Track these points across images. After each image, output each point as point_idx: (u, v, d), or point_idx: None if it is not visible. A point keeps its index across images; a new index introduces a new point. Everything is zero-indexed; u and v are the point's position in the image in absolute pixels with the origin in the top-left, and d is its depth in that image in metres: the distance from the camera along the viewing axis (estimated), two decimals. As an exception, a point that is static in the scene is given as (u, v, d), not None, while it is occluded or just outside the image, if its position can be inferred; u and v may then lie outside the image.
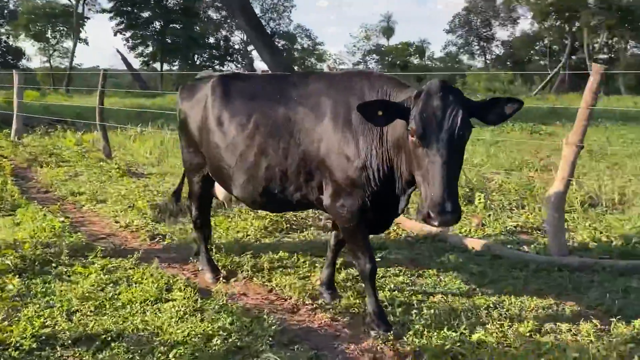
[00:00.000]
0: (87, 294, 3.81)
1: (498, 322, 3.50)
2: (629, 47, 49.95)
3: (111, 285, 4.04)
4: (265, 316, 3.48)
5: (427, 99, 2.75)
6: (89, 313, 3.57)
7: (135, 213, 5.91)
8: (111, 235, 5.48)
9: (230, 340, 3.18)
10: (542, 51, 56.89)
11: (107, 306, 3.68)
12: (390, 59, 58.31)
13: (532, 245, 5.13)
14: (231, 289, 4.07)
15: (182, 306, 3.63)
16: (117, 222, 5.83)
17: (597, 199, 6.66)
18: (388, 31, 60.90)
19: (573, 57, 48.01)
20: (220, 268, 4.48)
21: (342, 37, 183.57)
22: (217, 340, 3.16)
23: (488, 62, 61.89)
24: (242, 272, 4.38)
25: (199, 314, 3.55)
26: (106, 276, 4.18)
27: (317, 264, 4.54)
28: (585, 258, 4.72)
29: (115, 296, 3.84)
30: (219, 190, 4.35)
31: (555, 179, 4.85)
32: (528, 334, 3.35)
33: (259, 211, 5.64)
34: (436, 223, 2.69)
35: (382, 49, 60.71)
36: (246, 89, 3.83)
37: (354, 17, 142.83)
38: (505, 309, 3.77)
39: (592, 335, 3.30)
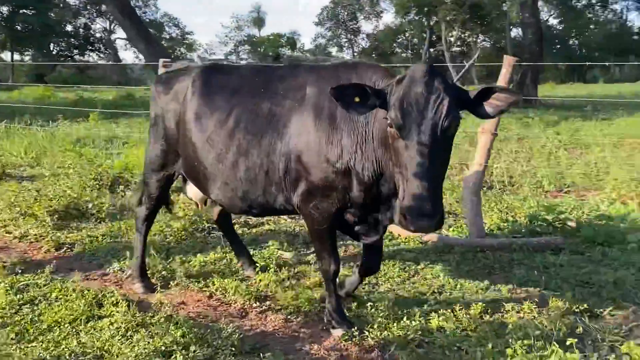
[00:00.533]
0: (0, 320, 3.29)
1: (448, 307, 3.59)
2: (479, 40, 54.77)
3: (27, 306, 3.53)
4: (222, 325, 3.25)
5: (409, 85, 2.46)
6: (9, 342, 3.07)
7: (30, 221, 5.23)
8: (5, 248, 4.80)
9: (190, 355, 2.91)
10: (404, 44, 60.28)
11: (31, 331, 3.19)
12: (262, 50, 58.19)
13: (450, 229, 5.37)
14: (169, 299, 3.74)
15: (121, 322, 3.25)
16: (8, 232, 5.12)
17: (490, 182, 7.18)
18: (259, 22, 60.73)
19: (432, 49, 51.45)
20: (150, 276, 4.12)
21: (213, 26, 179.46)
22: (177, 356, 2.87)
23: (355, 54, 64.23)
24: (176, 279, 4.05)
25: (144, 329, 3.21)
26: (18, 296, 3.63)
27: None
28: (502, 238, 5.05)
29: (37, 318, 3.35)
30: (192, 191, 3.99)
31: (472, 164, 5.12)
32: (479, 316, 3.47)
33: (178, 212, 5.30)
34: (412, 227, 2.42)
35: (254, 39, 60.40)
36: (229, 82, 3.50)
37: (224, 7, 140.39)
38: (449, 293, 3.90)
39: (535, 311, 3.51)
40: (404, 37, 59.92)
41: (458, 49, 52.63)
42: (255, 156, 3.21)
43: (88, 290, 3.68)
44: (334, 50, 64.24)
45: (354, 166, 2.94)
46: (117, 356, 2.92)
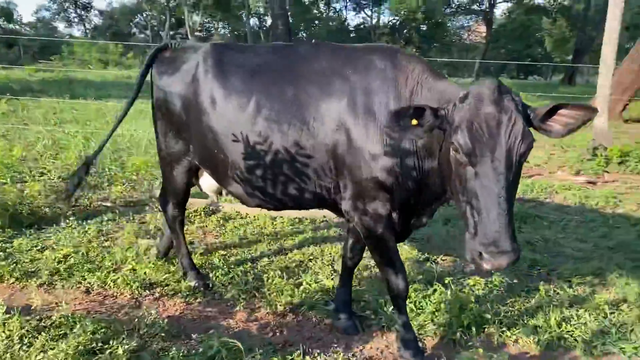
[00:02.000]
0: None
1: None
2: (220, 26, 55.97)
3: None
4: (139, 314, 3.07)
5: (478, 104, 2.14)
6: None
7: None
8: None
9: (123, 347, 2.72)
10: (142, 24, 57.88)
11: None
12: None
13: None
14: (46, 300, 3.32)
15: (15, 329, 2.83)
16: None
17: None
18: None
19: (172, 32, 50.54)
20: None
21: None
22: (106, 352, 2.66)
23: (88, 31, 59.12)
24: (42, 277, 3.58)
25: (43, 334, 2.85)
26: None
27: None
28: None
29: None
30: (206, 182, 3.45)
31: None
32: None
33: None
34: (489, 267, 2.08)
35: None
36: (246, 62, 3.05)
37: None
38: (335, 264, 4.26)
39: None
40: (142, 18, 57.54)
41: (199, 34, 52.85)
42: (279, 147, 2.84)
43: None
44: (61, 26, 58.01)
45: (400, 165, 2.63)
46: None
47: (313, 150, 2.77)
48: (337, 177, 2.78)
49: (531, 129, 2.19)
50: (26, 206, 4.71)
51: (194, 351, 2.80)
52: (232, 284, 3.66)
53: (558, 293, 3.67)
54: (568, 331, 3.17)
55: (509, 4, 43.60)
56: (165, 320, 3.09)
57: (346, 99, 2.69)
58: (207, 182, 3.52)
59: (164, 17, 50.23)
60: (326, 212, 5.03)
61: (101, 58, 37.13)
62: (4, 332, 2.82)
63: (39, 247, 4.16)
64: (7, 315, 2.92)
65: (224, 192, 3.62)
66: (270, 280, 3.73)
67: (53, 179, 5.91)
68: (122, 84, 18.50)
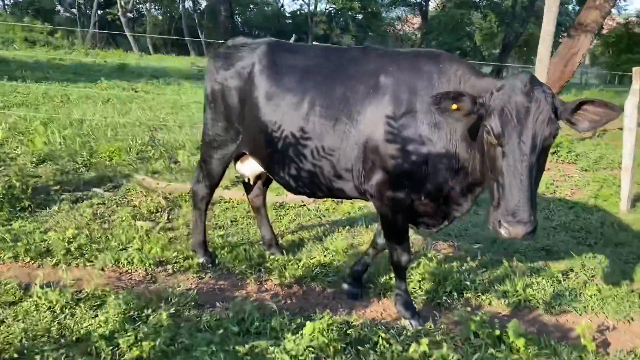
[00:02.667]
0: None
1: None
2: (152, 7, 54.32)
3: None
4: (168, 286, 3.39)
5: (510, 94, 2.44)
6: None
7: None
8: None
9: (160, 313, 3.05)
10: (68, 2, 55.20)
11: None
12: None
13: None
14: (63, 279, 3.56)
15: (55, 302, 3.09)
16: None
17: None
18: None
19: (100, 12, 48.61)
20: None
21: None
22: (150, 316, 2.99)
23: (7, 7, 55.63)
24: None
25: (80, 307, 3.13)
26: None
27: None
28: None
29: None
30: (248, 168, 3.72)
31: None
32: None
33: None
34: (505, 234, 2.39)
35: None
36: (299, 62, 3.34)
37: None
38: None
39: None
40: (70, -5, 54.85)
41: (131, 15, 51.15)
42: (328, 141, 3.15)
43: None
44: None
45: (434, 159, 2.91)
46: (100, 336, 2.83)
47: (355, 143, 3.08)
48: (369, 165, 3.08)
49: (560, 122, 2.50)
50: (17, 189, 4.82)
51: (224, 315, 3.17)
52: (238, 260, 4.03)
53: (517, 265, 4.30)
54: (531, 295, 3.79)
55: (442, -2, 45.07)
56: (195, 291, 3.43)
57: (390, 94, 2.98)
58: (250, 167, 3.89)
59: (94, -4, 48.24)
60: (304, 198, 5.50)
61: (27, 37, 35.29)
62: (45, 303, 3.07)
63: (41, 229, 4.33)
64: (45, 289, 3.17)
65: (262, 176, 4.02)
66: (272, 257, 4.12)
67: (27, 165, 5.96)
68: (57, 65, 17.87)
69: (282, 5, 58.19)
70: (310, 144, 3.20)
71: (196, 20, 51.52)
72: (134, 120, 9.15)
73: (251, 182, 4.13)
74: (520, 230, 2.37)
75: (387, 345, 2.91)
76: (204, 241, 4.09)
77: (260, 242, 4.38)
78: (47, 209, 4.82)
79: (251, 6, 60.68)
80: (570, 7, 32.80)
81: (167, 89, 14.17)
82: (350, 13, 49.51)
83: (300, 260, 4.08)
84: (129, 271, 3.82)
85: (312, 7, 53.87)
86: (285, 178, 3.45)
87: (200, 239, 4.07)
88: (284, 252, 4.24)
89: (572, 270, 4.28)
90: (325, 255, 4.24)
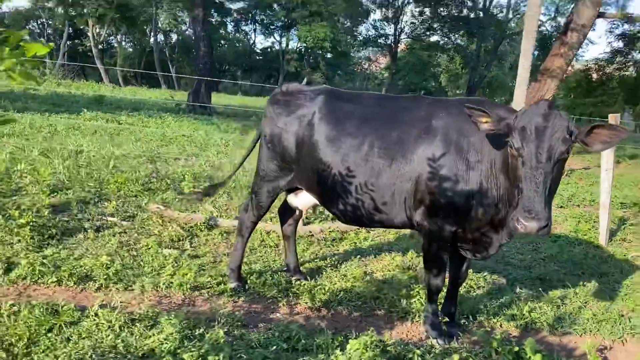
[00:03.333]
0: None
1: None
2: (123, 39, 54.51)
3: None
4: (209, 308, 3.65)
5: (531, 116, 2.90)
6: None
7: None
8: None
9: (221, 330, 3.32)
10: (36, 32, 54.86)
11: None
12: None
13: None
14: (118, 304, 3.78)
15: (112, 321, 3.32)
16: None
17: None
18: None
19: (70, 42, 48.53)
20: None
21: None
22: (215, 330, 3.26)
23: (-26, 35, 54.86)
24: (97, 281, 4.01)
25: (138, 324, 3.37)
26: None
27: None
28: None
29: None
30: (300, 201, 4.08)
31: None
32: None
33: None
34: (522, 228, 2.77)
35: None
36: (357, 110, 3.74)
37: None
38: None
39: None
40: (38, 25, 54.59)
41: (101, 46, 51.16)
42: (385, 178, 3.55)
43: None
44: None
45: (478, 192, 3.32)
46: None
47: (409, 179, 3.50)
48: (418, 197, 3.47)
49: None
50: (44, 217, 5.01)
51: (270, 334, 3.44)
52: (267, 286, 4.31)
53: (521, 291, 4.71)
54: (536, 318, 4.19)
55: (410, 40, 46.82)
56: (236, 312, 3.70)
57: (441, 135, 3.42)
58: (303, 200, 4.28)
59: (61, 27, 48.10)
60: (312, 228, 5.84)
61: (-3, 65, 34.75)
62: (104, 323, 3.29)
63: (74, 256, 4.52)
64: (104, 309, 3.40)
65: (311, 209, 4.39)
66: (297, 282, 4.43)
67: (41, 194, 6.11)
68: (33, 95, 17.78)
69: (254, 42, 59.14)
70: (368, 181, 3.60)
71: (167, 54, 51.96)
72: (129, 152, 9.36)
73: (304, 214, 4.58)
74: (535, 225, 2.74)
75: (422, 358, 3.24)
76: (240, 267, 4.37)
77: (284, 269, 4.68)
78: (74, 236, 5.01)
79: (222, 42, 61.45)
80: (535, 53, 34.64)
81: (151, 122, 14.39)
82: (320, 52, 50.71)
83: (324, 286, 4.39)
84: (168, 295, 4.06)
85: (283, 45, 55.03)
86: (342, 209, 3.81)
87: (237, 265, 4.35)
88: (308, 278, 4.54)
89: (566, 297, 4.72)
90: (345, 282, 4.56)
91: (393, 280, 4.71)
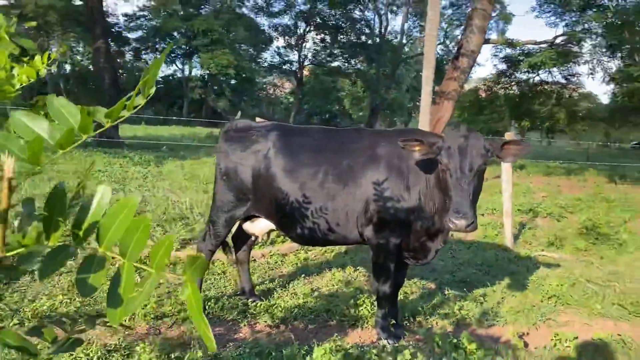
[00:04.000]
0: None
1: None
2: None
3: None
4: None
5: (454, 138, 3.51)
6: None
7: None
8: None
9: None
10: None
11: None
12: None
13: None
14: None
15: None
16: None
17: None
18: None
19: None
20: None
21: None
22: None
23: None
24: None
25: None
26: None
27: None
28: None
29: None
30: (256, 227, 4.21)
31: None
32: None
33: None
34: (453, 227, 3.33)
35: None
36: (309, 143, 4.07)
37: None
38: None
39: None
40: None
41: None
42: (339, 201, 3.99)
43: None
44: None
45: (418, 206, 3.87)
46: None
47: (359, 200, 3.97)
48: (368, 215, 3.96)
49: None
50: None
51: (241, 351, 3.76)
52: (225, 310, 4.61)
53: (449, 292, 5.36)
54: (464, 314, 4.83)
55: (313, 65, 48.27)
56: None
57: (384, 162, 3.95)
58: (259, 227, 4.50)
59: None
60: (253, 253, 6.19)
61: None
62: (82, 357, 3.46)
63: (29, 298, 4.56)
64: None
65: (269, 233, 4.64)
66: (252, 304, 4.76)
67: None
68: None
69: (183, 70, 57.94)
70: (324, 205, 4.02)
71: (61, 85, 49.73)
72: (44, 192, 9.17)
73: (259, 239, 4.86)
74: (464, 223, 3.31)
75: (379, 357, 3.71)
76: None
77: (239, 293, 5.00)
78: (20, 280, 5.00)
79: (120, 71, 59.75)
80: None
81: (57, 159, 13.95)
82: (224, 78, 50.81)
83: (279, 305, 4.76)
84: (132, 326, 4.24)
85: (186, 73, 54.56)
86: (300, 233, 4.15)
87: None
88: (262, 299, 4.89)
89: (486, 294, 5.43)
90: (297, 299, 4.96)
91: (339, 293, 5.18)
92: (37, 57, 1.36)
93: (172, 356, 3.60)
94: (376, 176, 3.96)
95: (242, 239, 4.94)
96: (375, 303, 4.36)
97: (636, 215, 10.73)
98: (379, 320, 4.27)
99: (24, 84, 1.27)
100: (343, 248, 6.89)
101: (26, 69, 1.29)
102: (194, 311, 0.93)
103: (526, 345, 4.34)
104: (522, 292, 5.52)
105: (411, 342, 4.18)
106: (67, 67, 53.13)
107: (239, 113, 5.96)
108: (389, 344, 4.11)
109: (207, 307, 4.69)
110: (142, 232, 0.95)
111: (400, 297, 5.03)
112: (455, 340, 4.02)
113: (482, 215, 9.90)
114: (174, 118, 37.09)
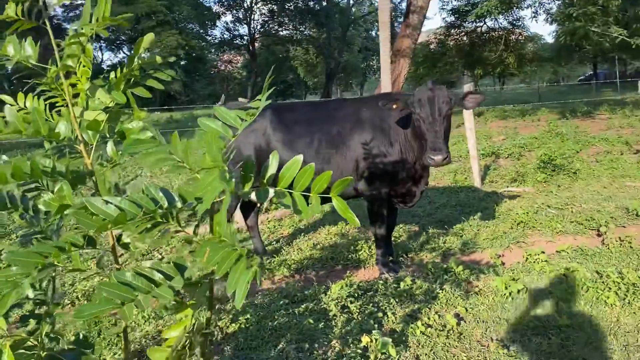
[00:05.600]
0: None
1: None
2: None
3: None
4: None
5: (423, 91, 4.16)
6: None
7: None
8: None
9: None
10: None
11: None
12: None
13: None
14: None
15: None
16: None
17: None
18: None
19: None
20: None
21: None
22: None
23: None
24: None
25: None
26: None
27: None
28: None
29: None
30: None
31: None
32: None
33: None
34: (431, 162, 4.01)
35: None
36: (300, 116, 4.61)
37: None
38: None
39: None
40: None
41: None
42: (333, 163, 4.62)
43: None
44: None
45: (401, 158, 4.53)
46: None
47: (350, 160, 4.66)
48: (359, 172, 4.65)
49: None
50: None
51: (271, 296, 4.43)
52: (245, 268, 5.26)
53: (432, 231, 6.14)
54: (449, 246, 5.61)
55: (264, 37, 48.09)
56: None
57: (368, 125, 4.63)
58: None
59: None
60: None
61: None
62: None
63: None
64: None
65: (269, 201, 5.23)
66: (267, 261, 5.44)
67: None
68: None
69: (102, 60, 56.72)
70: (321, 167, 4.61)
71: (5, 86, 48.21)
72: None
73: (263, 207, 5.56)
74: (440, 157, 4.00)
75: (385, 287, 4.46)
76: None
77: (253, 252, 5.65)
78: None
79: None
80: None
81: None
82: (173, 59, 50.03)
83: (289, 259, 5.45)
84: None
85: (135, 58, 53.45)
86: None
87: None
88: (274, 256, 5.57)
89: (464, 229, 6.24)
90: (303, 253, 5.66)
91: (338, 243, 5.90)
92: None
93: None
94: (362, 138, 4.62)
95: (249, 208, 5.57)
96: (374, 245, 5.09)
97: (586, 145, 11.77)
98: (379, 258, 5.00)
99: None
100: (329, 207, 7.58)
101: None
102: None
103: (503, 263, 5.15)
104: (494, 223, 6.35)
105: (408, 273, 4.93)
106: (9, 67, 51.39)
107: (223, 97, 6.48)
108: (390, 276, 4.85)
109: (227, 269, 5.32)
110: (307, 176, 1.54)
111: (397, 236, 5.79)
112: (444, 266, 4.80)
113: (452, 163, 10.73)
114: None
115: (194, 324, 1.54)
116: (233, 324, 3.88)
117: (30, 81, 1.73)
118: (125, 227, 1.34)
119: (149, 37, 1.71)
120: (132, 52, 1.71)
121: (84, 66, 1.67)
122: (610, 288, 4.09)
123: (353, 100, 4.97)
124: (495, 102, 26.81)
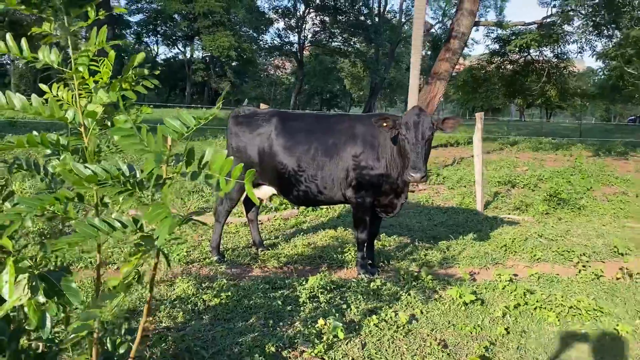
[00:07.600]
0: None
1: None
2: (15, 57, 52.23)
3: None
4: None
5: (409, 116, 4.73)
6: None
7: None
8: None
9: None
10: None
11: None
12: None
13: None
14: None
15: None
16: None
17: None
18: None
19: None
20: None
21: None
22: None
23: None
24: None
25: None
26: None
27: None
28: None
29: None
30: (261, 192, 5.40)
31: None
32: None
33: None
34: (411, 178, 4.57)
35: None
36: (302, 126, 5.25)
37: None
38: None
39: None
40: None
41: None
42: (326, 170, 5.19)
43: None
44: None
45: (386, 172, 5.08)
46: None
47: (342, 169, 5.20)
48: (348, 180, 5.18)
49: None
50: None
51: (256, 281, 5.02)
52: (242, 257, 5.89)
53: (419, 244, 6.62)
54: (429, 259, 6.08)
55: (313, 46, 49.04)
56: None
57: (360, 139, 5.17)
58: (263, 192, 5.73)
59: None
60: (260, 218, 7.44)
61: None
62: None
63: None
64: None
65: (273, 198, 5.87)
66: (262, 253, 6.03)
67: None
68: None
69: (157, 54, 58.94)
70: (315, 173, 5.25)
71: (66, 69, 50.47)
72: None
73: (263, 202, 6.23)
74: (418, 175, 4.57)
75: (357, 285, 4.98)
76: (219, 245, 5.90)
77: (251, 245, 6.27)
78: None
79: (122, 54, 60.46)
80: (429, 52, 37.90)
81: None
82: (226, 60, 51.44)
83: (282, 253, 6.04)
84: (171, 268, 5.51)
85: (188, 55, 55.33)
86: (296, 195, 5.40)
87: (217, 243, 5.87)
88: (269, 249, 6.17)
89: (450, 246, 6.69)
90: (296, 249, 6.24)
91: (329, 245, 6.45)
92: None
93: (204, 285, 4.87)
94: (354, 150, 5.17)
95: (251, 203, 6.19)
96: (356, 248, 5.62)
97: (605, 184, 11.93)
98: (359, 260, 5.53)
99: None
100: (336, 214, 8.15)
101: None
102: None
103: (474, 279, 5.60)
104: (480, 244, 6.78)
105: (383, 277, 5.44)
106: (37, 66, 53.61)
107: (246, 100, 7.18)
108: (365, 277, 5.37)
109: (226, 255, 5.96)
110: (227, 165, 2.12)
111: (378, 246, 6.31)
112: (415, 274, 5.29)
113: (464, 186, 11.11)
114: (169, 104, 38.02)
115: (142, 263, 2.14)
116: (215, 299, 4.49)
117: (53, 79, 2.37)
118: (105, 191, 1.95)
119: (140, 56, 2.33)
120: (128, 64, 2.33)
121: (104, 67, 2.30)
122: (552, 309, 4.51)
123: (351, 116, 5.50)
124: (537, 133, 26.74)
